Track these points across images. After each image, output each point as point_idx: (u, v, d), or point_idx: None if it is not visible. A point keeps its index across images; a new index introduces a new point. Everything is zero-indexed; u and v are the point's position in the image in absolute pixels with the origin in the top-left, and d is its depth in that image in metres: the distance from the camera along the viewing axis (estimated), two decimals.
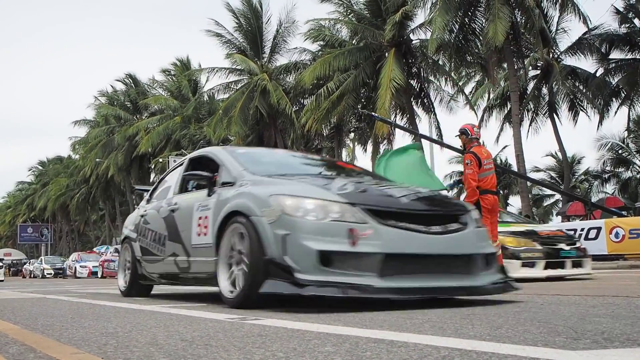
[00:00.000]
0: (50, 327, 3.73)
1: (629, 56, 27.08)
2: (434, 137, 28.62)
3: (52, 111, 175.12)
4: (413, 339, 2.64)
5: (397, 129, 28.26)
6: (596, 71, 27.98)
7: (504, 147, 43.25)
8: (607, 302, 4.56)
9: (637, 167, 37.98)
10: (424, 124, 30.03)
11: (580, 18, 23.76)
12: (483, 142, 32.54)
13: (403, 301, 4.54)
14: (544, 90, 29.12)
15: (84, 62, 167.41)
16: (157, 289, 10.22)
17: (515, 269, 8.01)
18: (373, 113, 20.60)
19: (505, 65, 25.18)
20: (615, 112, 28.30)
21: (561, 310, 3.90)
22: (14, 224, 76.12)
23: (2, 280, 21.07)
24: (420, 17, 26.36)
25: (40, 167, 73.23)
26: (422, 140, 24.49)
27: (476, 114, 30.40)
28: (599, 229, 15.23)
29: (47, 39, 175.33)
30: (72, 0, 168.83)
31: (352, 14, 27.72)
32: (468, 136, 7.78)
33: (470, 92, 33.16)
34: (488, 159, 7.69)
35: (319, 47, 29.68)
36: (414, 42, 26.61)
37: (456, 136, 8.17)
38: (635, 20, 26.50)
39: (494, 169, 7.86)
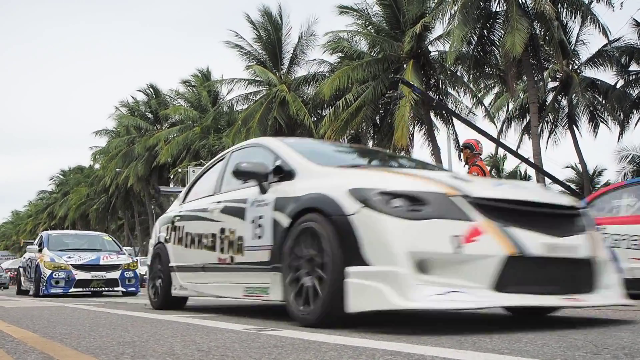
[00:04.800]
0: (68, 335, 3.75)
1: None
2: (452, 149, 28.49)
3: (74, 121, 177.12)
4: (430, 352, 2.62)
5: (413, 141, 28.16)
6: (616, 83, 27.73)
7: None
8: (628, 316, 4.50)
9: None
10: (442, 135, 29.93)
11: (600, 30, 23.60)
12: (504, 155, 32.28)
13: (421, 313, 4.51)
14: (564, 102, 28.92)
15: (106, 73, 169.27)
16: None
17: None
18: (411, 82, 20.00)
19: (524, 76, 25.06)
20: (636, 124, 27.97)
21: (581, 324, 3.86)
22: (35, 233, 76.89)
23: None
24: (439, 29, 26.38)
25: (61, 177, 73.97)
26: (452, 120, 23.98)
27: (495, 126, 30.28)
28: None
29: (69, 50, 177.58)
30: (96, 14, 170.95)
31: (370, 26, 27.77)
32: (473, 151, 7.79)
33: (490, 103, 33.04)
34: (488, 174, 7.83)
35: (338, 59, 29.77)
36: (432, 53, 26.58)
37: (459, 149, 8.27)
38: None
39: None
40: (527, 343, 2.89)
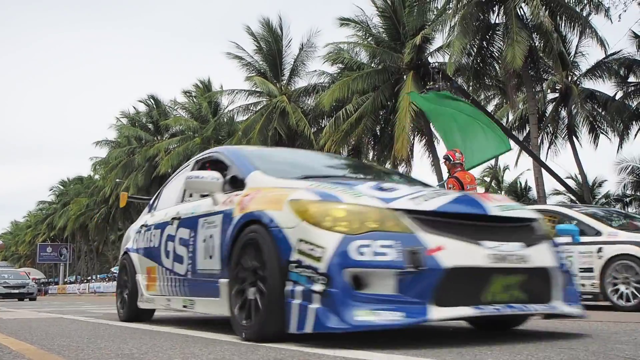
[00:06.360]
0: (67, 347, 3.73)
1: None
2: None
3: (74, 130, 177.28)
4: None
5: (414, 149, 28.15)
6: (615, 94, 27.79)
7: (523, 172, 42.96)
8: (631, 328, 4.48)
9: None
10: (442, 147, 29.91)
11: (598, 42, 23.68)
12: (505, 167, 32.52)
13: (421, 325, 4.47)
14: (563, 113, 28.98)
15: (106, 83, 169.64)
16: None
17: None
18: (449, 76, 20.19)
19: (523, 88, 25.11)
20: (635, 135, 27.99)
21: (582, 335, 3.84)
22: (34, 243, 76.71)
23: None
24: (439, 40, 26.46)
25: (61, 187, 73.92)
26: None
27: None
28: None
29: (68, 58, 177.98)
30: (96, 22, 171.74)
31: (370, 38, 27.87)
32: (450, 162, 8.07)
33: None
34: (472, 183, 7.99)
35: (338, 70, 29.85)
36: (432, 65, 26.65)
37: (443, 163, 8.59)
38: None
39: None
40: (529, 355, 2.87)
